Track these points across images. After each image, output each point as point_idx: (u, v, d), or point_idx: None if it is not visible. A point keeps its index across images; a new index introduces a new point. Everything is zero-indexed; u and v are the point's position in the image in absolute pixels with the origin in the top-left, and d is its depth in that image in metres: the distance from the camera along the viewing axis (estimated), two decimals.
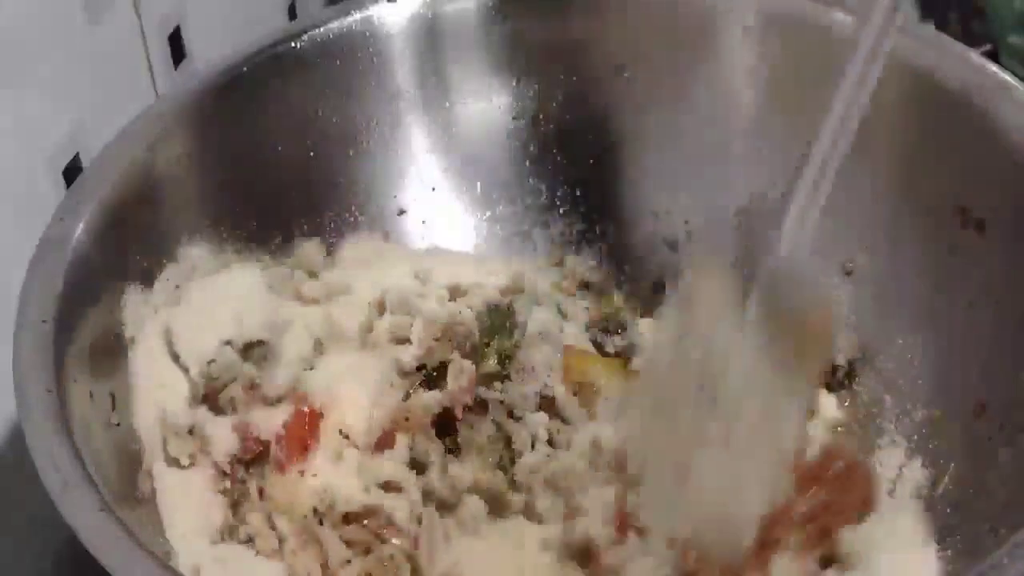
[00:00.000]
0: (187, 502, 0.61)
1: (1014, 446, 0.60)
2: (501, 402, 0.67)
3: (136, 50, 0.75)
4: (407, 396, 0.68)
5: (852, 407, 0.70)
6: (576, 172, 0.77)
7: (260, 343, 0.66)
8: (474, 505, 0.64)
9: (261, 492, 0.64)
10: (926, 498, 0.63)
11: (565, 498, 0.64)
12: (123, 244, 0.63)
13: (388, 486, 0.65)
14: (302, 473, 0.65)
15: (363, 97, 0.74)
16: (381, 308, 0.71)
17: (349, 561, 0.62)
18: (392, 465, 0.66)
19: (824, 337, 0.56)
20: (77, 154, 0.69)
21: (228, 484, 0.63)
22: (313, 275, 0.72)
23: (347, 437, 0.66)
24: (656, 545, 0.62)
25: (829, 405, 0.70)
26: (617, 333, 0.73)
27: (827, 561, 0.63)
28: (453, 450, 0.67)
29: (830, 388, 0.71)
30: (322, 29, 0.72)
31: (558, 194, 0.77)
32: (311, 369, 0.68)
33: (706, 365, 0.56)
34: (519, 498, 0.65)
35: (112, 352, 0.61)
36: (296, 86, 0.72)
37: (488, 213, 0.77)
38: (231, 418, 0.64)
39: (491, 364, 0.69)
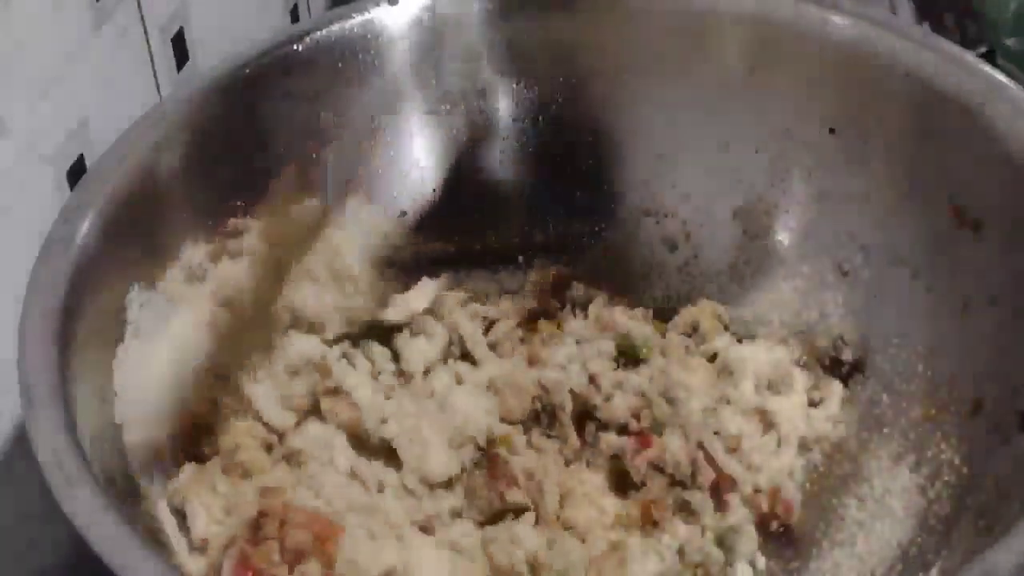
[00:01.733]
0: None
1: (1010, 445, 0.60)
2: None
3: (140, 52, 0.75)
4: None
5: (849, 406, 0.70)
6: (575, 173, 0.77)
7: None
8: None
9: None
10: (921, 496, 0.63)
11: None
12: (127, 244, 0.63)
13: None
14: None
15: (364, 99, 0.74)
16: None
17: None
18: None
19: None
20: (81, 155, 0.70)
21: None
22: None
23: None
24: None
25: (832, 402, 0.70)
26: None
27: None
28: None
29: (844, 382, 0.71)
30: (324, 32, 0.72)
31: (558, 194, 0.77)
32: None
33: None
34: None
35: (116, 352, 0.61)
36: (298, 88, 0.72)
37: (488, 213, 0.77)
38: None
39: None
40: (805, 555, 0.64)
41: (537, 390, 0.68)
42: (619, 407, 0.67)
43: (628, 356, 0.70)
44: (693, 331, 0.72)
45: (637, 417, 0.67)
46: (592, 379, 0.68)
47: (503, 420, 0.67)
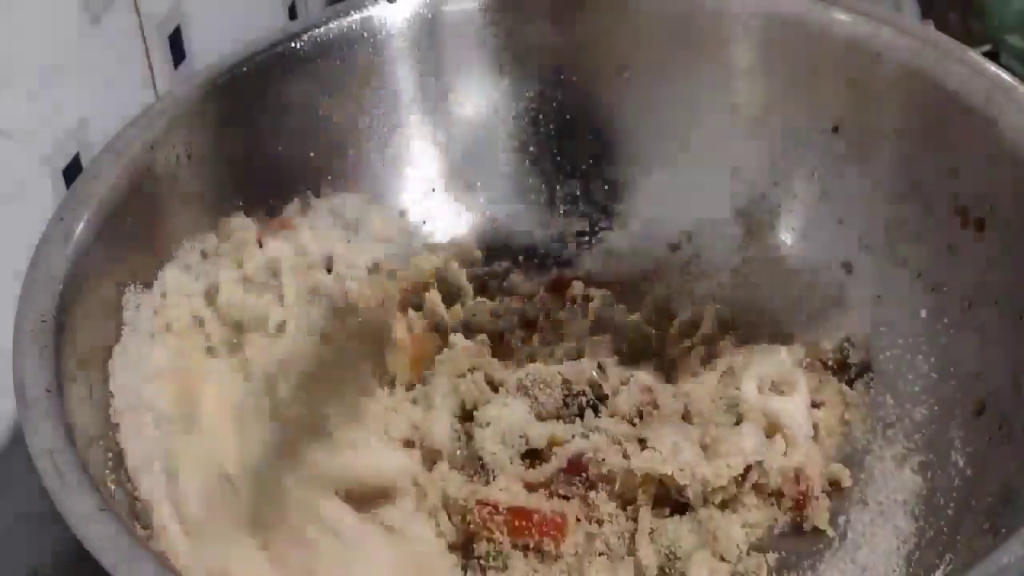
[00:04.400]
0: None
1: (1013, 445, 0.60)
2: None
3: (136, 50, 0.75)
4: None
5: (853, 408, 0.69)
6: (576, 172, 0.77)
7: None
8: None
9: None
10: (926, 498, 0.63)
11: None
12: (123, 243, 0.63)
13: None
14: None
15: (363, 97, 0.74)
16: None
17: None
18: None
19: None
20: (77, 154, 0.69)
21: None
22: None
23: None
24: None
25: (836, 403, 0.70)
26: None
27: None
28: None
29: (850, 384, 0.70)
30: (322, 29, 0.72)
31: (558, 194, 0.77)
32: None
33: None
34: None
35: (112, 352, 0.61)
36: (296, 86, 0.72)
37: (488, 213, 0.77)
38: None
39: None
40: (810, 557, 0.64)
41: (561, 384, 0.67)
42: (625, 402, 0.67)
43: (634, 344, 0.70)
44: (695, 332, 0.72)
45: (641, 414, 0.66)
46: (600, 367, 0.68)
47: (538, 418, 0.67)
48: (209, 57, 0.74)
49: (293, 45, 0.71)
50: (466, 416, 0.68)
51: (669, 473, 0.63)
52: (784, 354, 0.70)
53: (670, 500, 0.65)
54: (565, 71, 0.76)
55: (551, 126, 0.77)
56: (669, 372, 0.70)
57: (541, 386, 0.67)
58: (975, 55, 0.68)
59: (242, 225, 0.69)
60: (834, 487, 0.66)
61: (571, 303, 0.74)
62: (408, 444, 0.67)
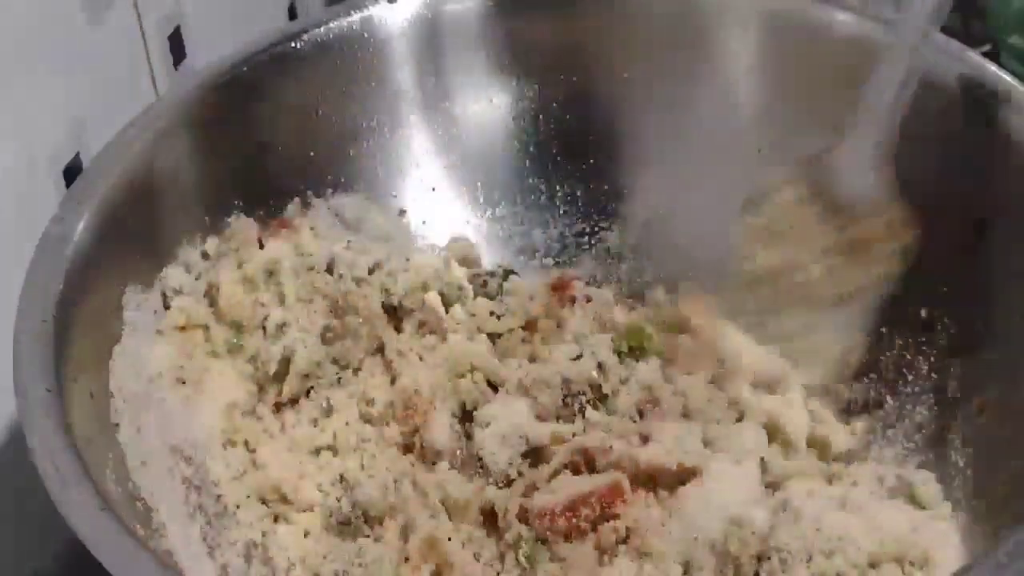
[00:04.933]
0: None
1: (1013, 445, 0.60)
2: None
3: (136, 50, 0.75)
4: None
5: (853, 409, 0.69)
6: (576, 172, 0.77)
7: None
8: None
9: None
10: None
11: None
12: (123, 244, 0.63)
13: None
14: None
15: (363, 97, 0.74)
16: None
17: None
18: None
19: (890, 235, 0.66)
20: (77, 153, 0.69)
21: None
22: None
23: None
24: None
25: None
26: None
27: None
28: None
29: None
30: (322, 29, 0.72)
31: (558, 194, 0.77)
32: None
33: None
34: None
35: (112, 352, 0.61)
36: (296, 86, 0.72)
37: (488, 213, 0.77)
38: None
39: None
40: None
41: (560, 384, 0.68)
42: (626, 401, 0.67)
43: (634, 346, 0.70)
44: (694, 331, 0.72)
45: (642, 413, 0.66)
46: (600, 367, 0.68)
47: (538, 418, 0.67)
48: (209, 57, 0.74)
49: (293, 45, 0.71)
50: (466, 416, 0.68)
51: (674, 467, 0.63)
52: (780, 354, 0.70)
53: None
54: (566, 71, 0.76)
55: (551, 126, 0.77)
56: (668, 371, 0.70)
57: (541, 386, 0.67)
58: (975, 55, 0.68)
59: (242, 225, 0.69)
60: None
61: (571, 303, 0.74)
62: (408, 447, 0.67)
